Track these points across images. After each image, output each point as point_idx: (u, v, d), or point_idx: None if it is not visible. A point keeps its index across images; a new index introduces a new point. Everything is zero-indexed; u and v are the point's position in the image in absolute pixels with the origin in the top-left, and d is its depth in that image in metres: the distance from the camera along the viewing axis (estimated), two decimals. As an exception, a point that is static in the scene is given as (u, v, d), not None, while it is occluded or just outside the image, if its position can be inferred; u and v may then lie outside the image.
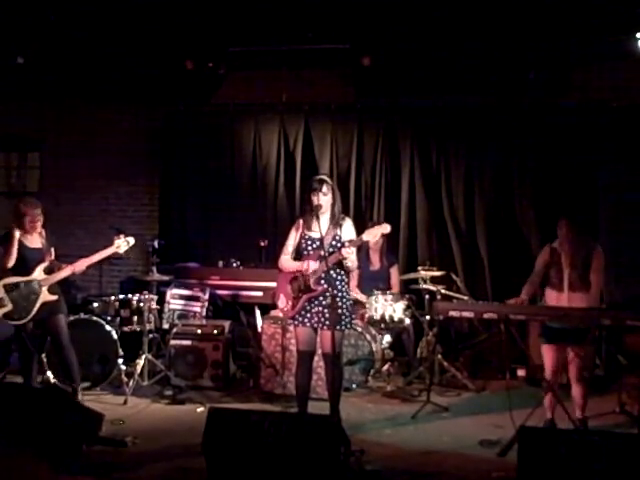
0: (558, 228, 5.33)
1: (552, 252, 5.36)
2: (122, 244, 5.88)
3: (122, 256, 6.14)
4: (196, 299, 7.20)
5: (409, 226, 8.12)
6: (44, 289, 5.66)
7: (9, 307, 5.59)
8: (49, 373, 6.28)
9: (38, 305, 5.64)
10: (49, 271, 5.72)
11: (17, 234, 5.60)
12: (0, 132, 8.97)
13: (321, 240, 5.02)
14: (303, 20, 6.75)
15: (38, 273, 5.68)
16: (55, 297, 5.74)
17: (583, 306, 5.17)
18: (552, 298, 5.36)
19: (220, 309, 7.43)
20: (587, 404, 5.35)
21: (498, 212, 7.99)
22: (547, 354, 5.35)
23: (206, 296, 7.21)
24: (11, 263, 5.62)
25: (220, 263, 7.76)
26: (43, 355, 6.16)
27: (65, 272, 5.74)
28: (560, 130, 7.80)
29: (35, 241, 5.73)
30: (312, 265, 5.12)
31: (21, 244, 5.65)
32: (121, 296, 6.83)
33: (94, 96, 8.36)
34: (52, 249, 5.80)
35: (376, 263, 7.40)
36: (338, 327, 5.02)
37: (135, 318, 6.63)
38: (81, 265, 5.79)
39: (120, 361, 6.41)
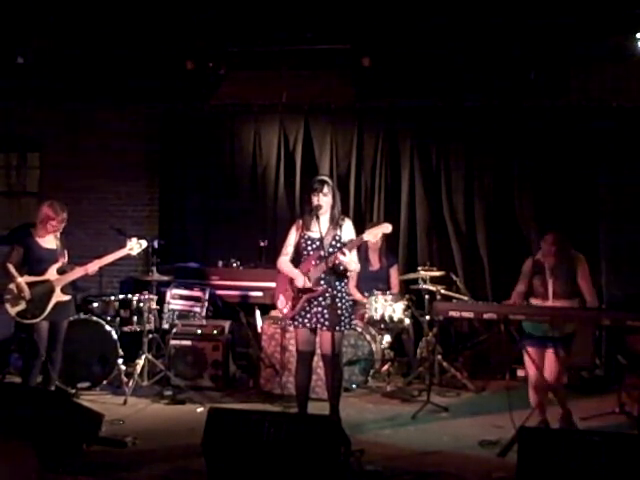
0: (543, 242, 5.35)
1: (535, 264, 5.36)
2: (135, 246, 5.95)
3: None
4: (196, 299, 7.20)
5: (409, 226, 8.11)
6: (57, 289, 5.72)
7: (23, 306, 5.63)
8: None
9: (52, 305, 5.69)
10: (62, 272, 5.77)
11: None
12: (0, 132, 8.96)
13: (321, 240, 5.02)
14: (303, 20, 6.75)
15: (51, 273, 5.73)
16: (68, 297, 5.83)
17: None
18: None
19: (220, 309, 7.42)
20: (567, 399, 5.38)
21: (498, 212, 7.99)
22: (530, 359, 5.28)
23: (206, 296, 7.21)
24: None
25: (220, 263, 7.75)
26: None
27: (78, 273, 5.82)
28: (560, 130, 7.80)
29: (50, 242, 5.79)
30: (311, 273, 5.12)
31: (36, 244, 5.73)
32: (121, 296, 6.85)
33: (94, 96, 8.35)
34: (65, 252, 5.84)
35: (375, 263, 7.39)
36: (337, 328, 5.01)
37: (135, 318, 6.65)
38: (94, 266, 5.86)
39: (120, 361, 6.40)
